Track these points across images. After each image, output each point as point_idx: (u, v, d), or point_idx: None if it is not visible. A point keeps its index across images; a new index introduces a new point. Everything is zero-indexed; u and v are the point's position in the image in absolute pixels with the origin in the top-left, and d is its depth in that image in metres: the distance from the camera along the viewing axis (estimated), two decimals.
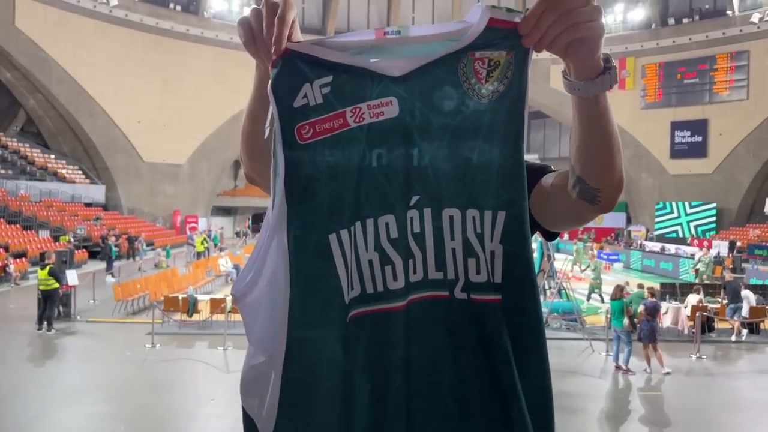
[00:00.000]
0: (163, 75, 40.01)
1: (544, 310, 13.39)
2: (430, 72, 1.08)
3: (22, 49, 33.37)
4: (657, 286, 15.44)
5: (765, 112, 38.70)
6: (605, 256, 30.16)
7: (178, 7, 41.35)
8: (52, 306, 14.08)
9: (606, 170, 1.16)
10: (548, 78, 45.71)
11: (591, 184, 1.15)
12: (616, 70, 1.09)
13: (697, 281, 21.70)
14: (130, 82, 38.27)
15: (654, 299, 11.86)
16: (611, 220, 45.80)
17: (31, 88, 35.11)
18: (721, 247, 32.61)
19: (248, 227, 51.47)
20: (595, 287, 18.85)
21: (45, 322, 13.76)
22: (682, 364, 12.06)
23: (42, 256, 16.90)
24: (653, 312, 11.48)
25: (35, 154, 35.99)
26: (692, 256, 26.34)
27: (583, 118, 1.12)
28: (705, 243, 32.85)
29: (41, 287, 13.98)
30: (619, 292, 11.96)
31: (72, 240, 27.86)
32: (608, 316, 12.58)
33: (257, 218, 52.86)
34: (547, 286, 16.63)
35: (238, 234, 48.88)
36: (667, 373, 11.07)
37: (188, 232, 39.30)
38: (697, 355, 12.61)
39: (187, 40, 41.19)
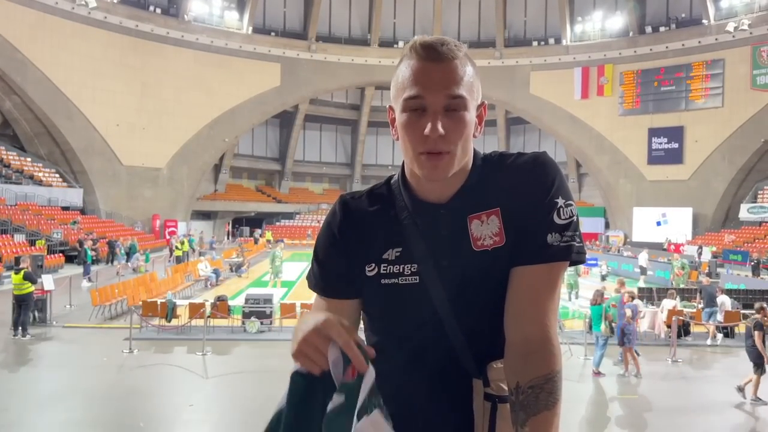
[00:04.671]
0: (142, 78, 39.66)
1: None
2: None
3: None
4: (634, 290, 15.64)
5: (740, 119, 39.41)
6: None
7: (158, 10, 41.04)
8: (27, 311, 13.85)
9: None
10: (528, 84, 46.16)
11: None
12: None
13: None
14: (109, 85, 37.88)
15: (635, 302, 12.08)
16: (590, 225, 46.23)
17: (7, 89, 34.56)
18: (698, 251, 33.14)
19: (228, 231, 51.15)
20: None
21: (20, 328, 13.53)
22: (659, 367, 12.21)
23: (17, 260, 16.63)
24: (635, 315, 11.70)
25: (11, 157, 35.44)
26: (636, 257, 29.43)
27: None
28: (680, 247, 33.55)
29: (15, 292, 13.75)
30: (599, 297, 12.09)
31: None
32: (587, 320, 12.70)
33: (237, 223, 52.60)
34: None
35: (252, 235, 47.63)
36: (636, 375, 11.31)
37: (167, 236, 39.01)
38: (674, 358, 12.77)
39: (166, 43, 40.88)
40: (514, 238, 1.33)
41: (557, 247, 1.30)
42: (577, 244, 1.33)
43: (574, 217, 1.33)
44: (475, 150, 1.41)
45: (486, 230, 1.35)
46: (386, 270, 1.40)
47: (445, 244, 1.36)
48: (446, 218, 1.37)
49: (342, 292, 1.46)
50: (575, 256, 1.33)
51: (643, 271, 26.78)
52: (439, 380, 1.37)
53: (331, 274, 1.47)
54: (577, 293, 19.92)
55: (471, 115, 1.31)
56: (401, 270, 1.39)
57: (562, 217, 1.31)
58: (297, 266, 30.98)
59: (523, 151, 1.43)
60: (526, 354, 1.26)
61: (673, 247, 37.69)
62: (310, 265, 1.54)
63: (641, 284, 22.88)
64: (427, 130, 1.26)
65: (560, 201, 1.32)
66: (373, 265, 1.41)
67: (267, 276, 24.05)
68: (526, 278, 1.31)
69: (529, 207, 1.33)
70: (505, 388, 1.31)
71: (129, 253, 29.62)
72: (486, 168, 1.40)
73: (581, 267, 27.11)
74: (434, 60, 1.27)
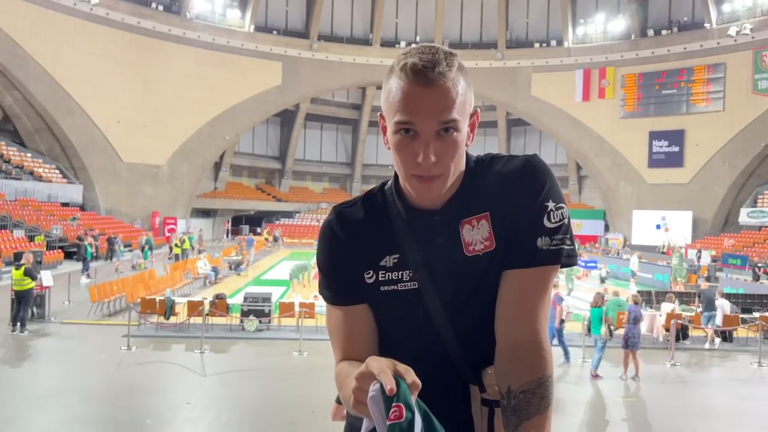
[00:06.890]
0: (143, 75, 39.65)
1: None
2: None
3: (0, 45, 32.87)
4: (637, 294, 15.66)
5: (741, 123, 39.41)
6: (582, 263, 30.44)
7: (160, 7, 41.03)
8: (26, 307, 13.85)
9: None
10: (529, 86, 46.16)
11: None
12: None
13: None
14: (110, 82, 37.86)
15: (637, 305, 12.10)
16: (590, 227, 46.24)
17: (8, 85, 34.55)
18: (697, 255, 33.15)
19: (228, 229, 51.12)
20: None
21: (19, 323, 13.53)
22: (657, 371, 12.21)
23: (18, 256, 16.63)
24: (638, 319, 11.72)
25: (11, 153, 35.40)
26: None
27: None
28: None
29: (15, 287, 13.75)
30: (600, 299, 12.09)
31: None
32: (585, 323, 12.70)
33: (237, 221, 52.59)
34: None
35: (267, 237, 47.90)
36: (634, 378, 11.31)
37: (167, 234, 39.01)
38: (672, 362, 12.77)
39: (168, 40, 40.87)
40: (505, 242, 1.33)
41: (547, 250, 1.30)
42: (567, 248, 1.32)
43: (565, 220, 1.33)
44: (467, 154, 1.40)
45: (477, 235, 1.35)
46: (384, 277, 1.40)
47: (440, 251, 1.36)
48: (440, 224, 1.37)
49: (352, 299, 1.45)
50: (565, 260, 1.33)
51: (633, 274, 27.08)
52: (436, 386, 1.35)
53: (338, 283, 1.46)
54: (570, 291, 20.79)
55: (463, 133, 1.30)
56: (400, 276, 1.39)
57: (552, 221, 1.31)
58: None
59: (523, 152, 1.43)
60: (517, 358, 1.26)
61: (672, 250, 37.71)
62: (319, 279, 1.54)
63: (628, 288, 23.12)
64: (419, 159, 1.25)
65: (550, 204, 1.32)
66: (371, 272, 1.41)
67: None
68: (516, 282, 1.31)
69: (519, 210, 1.33)
70: None
71: (147, 248, 30.06)
72: (478, 172, 1.39)
73: (580, 269, 27.48)
74: (425, 85, 1.23)
